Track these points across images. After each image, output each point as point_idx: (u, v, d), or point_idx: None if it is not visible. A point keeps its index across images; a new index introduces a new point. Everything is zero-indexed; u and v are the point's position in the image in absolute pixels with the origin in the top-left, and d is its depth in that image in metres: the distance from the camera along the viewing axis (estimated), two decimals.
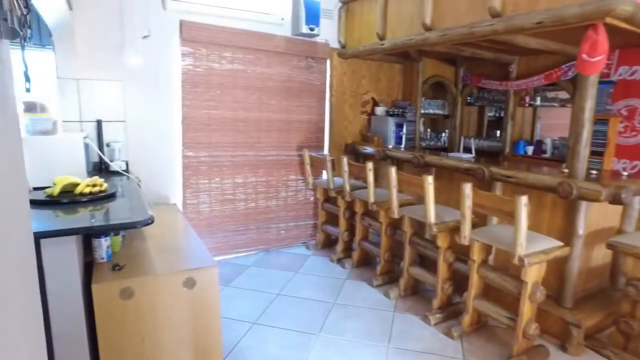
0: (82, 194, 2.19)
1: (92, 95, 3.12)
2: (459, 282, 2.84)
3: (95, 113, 3.14)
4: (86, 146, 2.68)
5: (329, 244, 4.18)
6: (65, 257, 1.78)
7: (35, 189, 2.36)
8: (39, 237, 1.70)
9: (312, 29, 3.66)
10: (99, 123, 3.14)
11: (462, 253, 2.76)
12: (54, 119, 2.60)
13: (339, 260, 3.79)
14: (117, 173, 2.95)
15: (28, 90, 0.84)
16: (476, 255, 2.47)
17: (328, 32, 4.03)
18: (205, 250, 2.32)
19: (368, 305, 3.00)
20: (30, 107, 2.56)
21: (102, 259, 2.10)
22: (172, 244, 2.45)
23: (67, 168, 2.48)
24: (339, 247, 3.88)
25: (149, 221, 1.89)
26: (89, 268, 2.08)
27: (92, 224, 1.89)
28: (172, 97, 3.45)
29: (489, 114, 5.01)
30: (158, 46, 3.29)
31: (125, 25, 3.10)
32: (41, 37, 3.12)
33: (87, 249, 2.16)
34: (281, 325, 2.71)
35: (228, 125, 3.74)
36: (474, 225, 2.48)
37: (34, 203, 2.09)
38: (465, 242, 2.44)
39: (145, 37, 3.08)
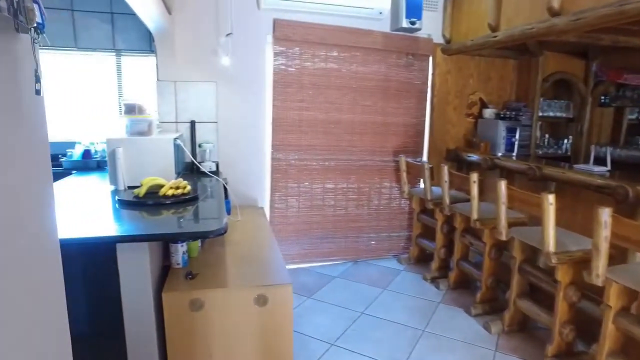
0: (165, 196, 2.17)
1: (187, 96, 3.18)
2: (585, 327, 2.28)
3: (189, 114, 3.20)
4: (177, 147, 2.71)
5: (423, 259, 3.79)
6: (137, 263, 1.74)
7: (130, 187, 2.43)
8: (114, 241, 1.69)
9: (413, 23, 3.31)
10: (192, 124, 3.20)
11: (589, 290, 2.21)
12: (149, 120, 2.67)
13: (433, 280, 3.39)
14: (206, 174, 2.95)
15: (38, 92, 0.68)
16: (613, 300, 1.92)
17: (431, 26, 3.64)
18: (282, 265, 2.15)
19: (463, 339, 2.59)
20: (130, 109, 2.66)
21: (178, 264, 2.06)
22: (250, 254, 2.33)
23: (158, 168, 2.53)
24: (434, 264, 3.48)
25: (222, 231, 1.77)
26: (167, 273, 2.05)
27: (166, 230, 1.82)
28: (263, 98, 3.39)
29: (630, 116, 4.13)
30: (251, 46, 3.25)
31: (220, 27, 3.11)
32: (151, 43, 3.29)
33: (167, 253, 2.15)
34: (362, 350, 2.45)
35: (320, 127, 3.57)
36: (611, 260, 1.94)
37: (122, 204, 2.13)
38: (599, 282, 1.91)
39: (228, 34, 3.05)
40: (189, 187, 2.31)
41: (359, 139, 3.71)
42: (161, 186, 2.25)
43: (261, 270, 2.10)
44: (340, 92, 3.57)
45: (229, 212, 3.09)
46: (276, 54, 3.32)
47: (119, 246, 1.71)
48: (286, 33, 3.30)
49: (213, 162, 3.25)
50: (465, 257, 3.24)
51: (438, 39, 3.73)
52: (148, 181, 2.25)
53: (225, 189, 3.00)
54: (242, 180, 3.44)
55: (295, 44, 3.36)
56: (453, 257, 3.27)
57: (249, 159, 3.45)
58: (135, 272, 1.74)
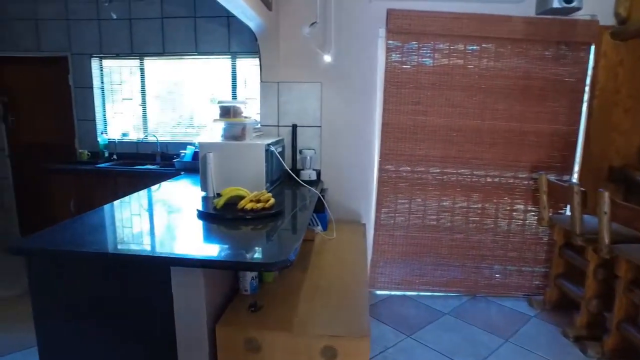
0: (244, 210, 1.95)
1: (290, 98, 2.98)
2: None
3: (291, 117, 3.00)
4: (271, 154, 2.50)
5: (563, 306, 2.95)
6: (191, 288, 1.52)
7: (219, 195, 2.28)
8: (166, 262, 1.49)
9: (569, 2, 2.55)
10: (294, 128, 2.98)
11: None
12: (243, 124, 2.51)
13: (578, 339, 2.58)
14: (300, 184, 2.69)
15: None
16: None
17: (595, 4, 2.78)
18: (365, 307, 1.74)
19: None
20: (225, 112, 2.53)
21: (246, 291, 1.81)
22: (332, 284, 1.97)
23: (249, 176, 2.36)
24: (581, 318, 2.64)
25: (286, 264, 1.44)
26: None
27: (220, 255, 1.54)
28: (372, 100, 3.01)
29: None
30: (361, 41, 2.90)
31: (326, 21, 2.81)
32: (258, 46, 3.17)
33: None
34: None
35: (438, 135, 3.04)
36: None
37: (201, 215, 1.97)
38: None
39: (312, 24, 2.71)
40: (272, 201, 2.05)
41: (487, 150, 3.06)
42: (242, 197, 2.04)
43: (338, 310, 1.72)
44: (465, 93, 2.98)
45: (325, 227, 2.80)
46: (389, 50, 2.90)
47: (173, 269, 1.51)
48: (401, 25, 2.85)
49: (314, 170, 2.99)
50: (632, 319, 2.37)
51: (606, 20, 2.84)
52: (228, 192, 2.07)
53: (322, 202, 2.70)
54: (345, 192, 3.12)
55: (412, 37, 2.89)
56: (611, 315, 2.42)
57: (354, 168, 3.10)
58: (189, 299, 1.53)
